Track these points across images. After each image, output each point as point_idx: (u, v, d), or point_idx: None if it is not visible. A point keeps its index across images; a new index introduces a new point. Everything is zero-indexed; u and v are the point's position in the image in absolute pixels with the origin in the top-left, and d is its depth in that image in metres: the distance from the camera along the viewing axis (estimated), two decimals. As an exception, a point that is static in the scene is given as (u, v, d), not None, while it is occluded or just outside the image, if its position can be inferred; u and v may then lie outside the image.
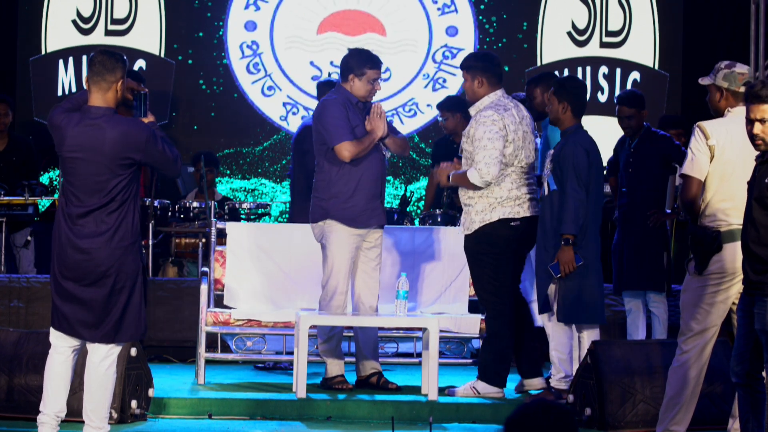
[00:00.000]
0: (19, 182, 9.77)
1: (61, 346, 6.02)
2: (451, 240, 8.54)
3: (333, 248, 7.70)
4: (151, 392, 7.05)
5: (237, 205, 10.49)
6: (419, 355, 8.28)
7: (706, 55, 11.74)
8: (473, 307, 8.48)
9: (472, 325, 8.17)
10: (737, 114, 6.16)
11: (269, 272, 8.43)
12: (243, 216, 10.41)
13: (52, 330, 6.05)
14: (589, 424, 6.93)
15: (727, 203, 6.07)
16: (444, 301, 8.52)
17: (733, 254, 6.02)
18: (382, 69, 7.90)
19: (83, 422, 6.07)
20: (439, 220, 9.76)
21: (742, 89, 6.22)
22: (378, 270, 7.86)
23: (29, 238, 9.90)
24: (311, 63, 12.08)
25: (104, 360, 6.00)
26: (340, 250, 7.70)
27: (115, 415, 6.71)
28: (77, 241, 5.93)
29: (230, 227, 8.53)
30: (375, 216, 7.75)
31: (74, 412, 6.21)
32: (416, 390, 7.74)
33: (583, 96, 7.56)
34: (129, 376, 6.83)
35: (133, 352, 6.87)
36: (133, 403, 6.87)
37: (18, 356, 6.86)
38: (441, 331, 7.70)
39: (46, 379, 6.03)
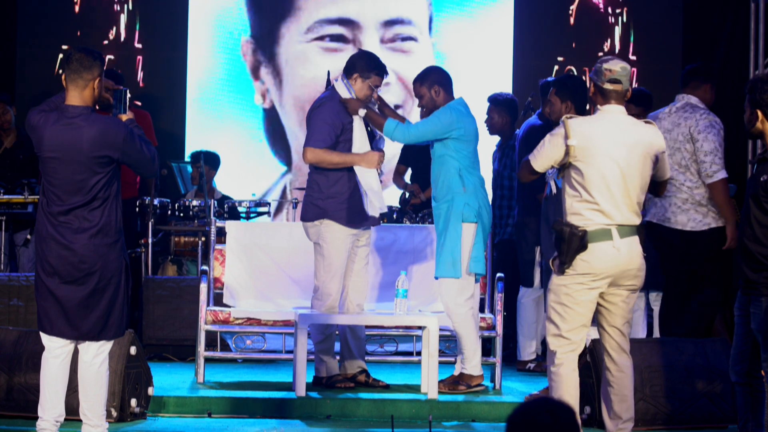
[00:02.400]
0: (20, 180, 9.74)
1: (54, 347, 5.97)
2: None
3: (330, 248, 7.69)
4: (150, 391, 7.05)
5: (236, 204, 10.49)
6: (419, 353, 8.28)
7: (706, 55, 11.73)
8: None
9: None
10: (606, 112, 5.99)
11: (269, 271, 8.43)
12: (242, 215, 10.41)
13: (41, 332, 6.01)
14: (588, 423, 6.93)
15: (589, 205, 5.89)
16: (443, 300, 8.50)
17: (600, 254, 5.88)
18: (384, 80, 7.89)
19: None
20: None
21: (608, 86, 5.99)
22: (366, 270, 7.89)
23: (29, 236, 9.88)
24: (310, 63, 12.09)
25: (96, 358, 5.98)
26: (337, 250, 7.69)
27: (114, 414, 6.71)
28: (60, 237, 5.89)
29: (230, 226, 8.53)
30: (371, 215, 7.76)
31: (73, 411, 6.21)
32: (416, 389, 7.75)
33: (585, 94, 7.48)
34: (128, 374, 6.83)
35: (133, 350, 6.87)
36: (133, 402, 6.87)
37: (18, 355, 6.86)
38: (440, 329, 7.71)
39: (42, 383, 5.98)
